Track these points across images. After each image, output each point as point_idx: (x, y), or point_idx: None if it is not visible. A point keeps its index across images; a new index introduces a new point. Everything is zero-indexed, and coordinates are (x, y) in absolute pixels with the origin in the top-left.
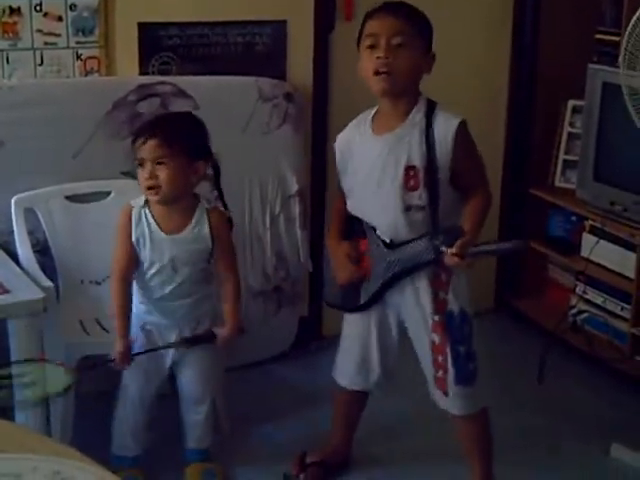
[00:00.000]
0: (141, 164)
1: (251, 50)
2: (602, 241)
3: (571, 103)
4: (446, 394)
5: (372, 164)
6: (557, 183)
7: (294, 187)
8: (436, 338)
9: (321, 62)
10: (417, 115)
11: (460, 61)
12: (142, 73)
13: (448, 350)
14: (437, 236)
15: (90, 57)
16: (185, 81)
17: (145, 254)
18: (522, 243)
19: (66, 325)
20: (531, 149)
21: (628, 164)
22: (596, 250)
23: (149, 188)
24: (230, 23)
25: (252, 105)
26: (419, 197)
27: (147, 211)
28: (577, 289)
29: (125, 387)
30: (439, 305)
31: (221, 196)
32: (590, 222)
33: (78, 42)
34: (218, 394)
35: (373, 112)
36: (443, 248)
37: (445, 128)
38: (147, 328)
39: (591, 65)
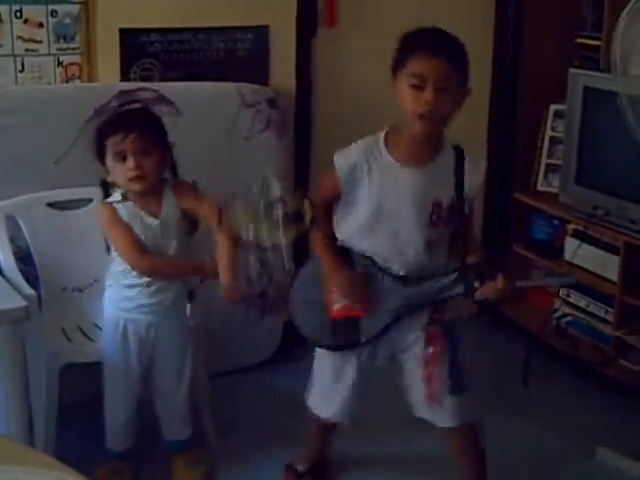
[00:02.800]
0: (123, 157)
1: (233, 56)
2: (585, 245)
3: (553, 107)
4: (441, 405)
5: (397, 195)
6: (540, 187)
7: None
8: (431, 349)
9: (304, 68)
10: (446, 154)
11: None
12: (124, 79)
13: (444, 359)
14: (469, 271)
15: (71, 63)
16: (167, 87)
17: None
18: (571, 278)
19: (48, 333)
20: (513, 154)
21: (610, 168)
22: (579, 254)
23: (133, 178)
24: (212, 29)
25: (235, 111)
26: (439, 234)
27: (129, 204)
28: (560, 292)
29: (109, 388)
30: (437, 317)
31: None
32: (573, 226)
33: (59, 49)
34: (203, 401)
35: (382, 136)
36: (476, 284)
37: (474, 178)
38: (125, 325)
39: (572, 69)
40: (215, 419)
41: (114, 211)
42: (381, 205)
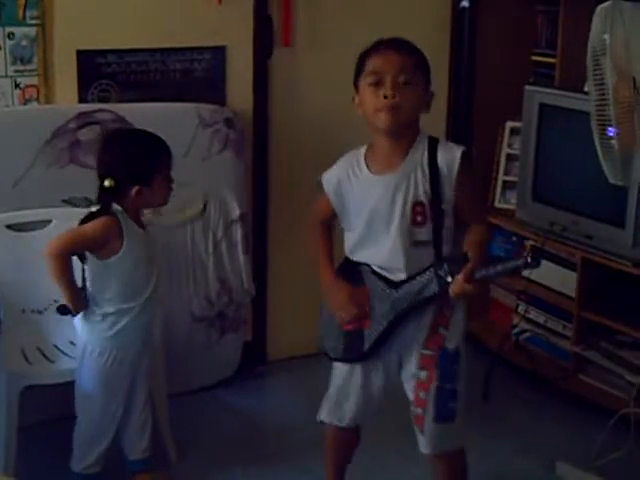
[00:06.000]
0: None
1: (190, 76)
2: (542, 261)
3: (509, 124)
4: (422, 432)
5: (376, 204)
6: (497, 204)
7: (236, 212)
8: (422, 374)
9: (260, 87)
10: (417, 151)
11: None
12: (81, 101)
13: (433, 387)
14: (441, 267)
15: (29, 85)
16: (125, 108)
17: (134, 254)
18: (532, 260)
19: (8, 355)
20: None
21: (566, 184)
22: (537, 270)
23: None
24: (169, 50)
25: (192, 131)
26: (426, 232)
27: (127, 217)
28: (519, 308)
29: (92, 416)
30: (435, 340)
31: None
32: (530, 242)
33: (17, 71)
34: (163, 420)
35: (363, 151)
36: (449, 278)
37: (449, 159)
38: (116, 353)
39: (528, 86)
40: (175, 438)
41: (117, 224)
42: (365, 217)
